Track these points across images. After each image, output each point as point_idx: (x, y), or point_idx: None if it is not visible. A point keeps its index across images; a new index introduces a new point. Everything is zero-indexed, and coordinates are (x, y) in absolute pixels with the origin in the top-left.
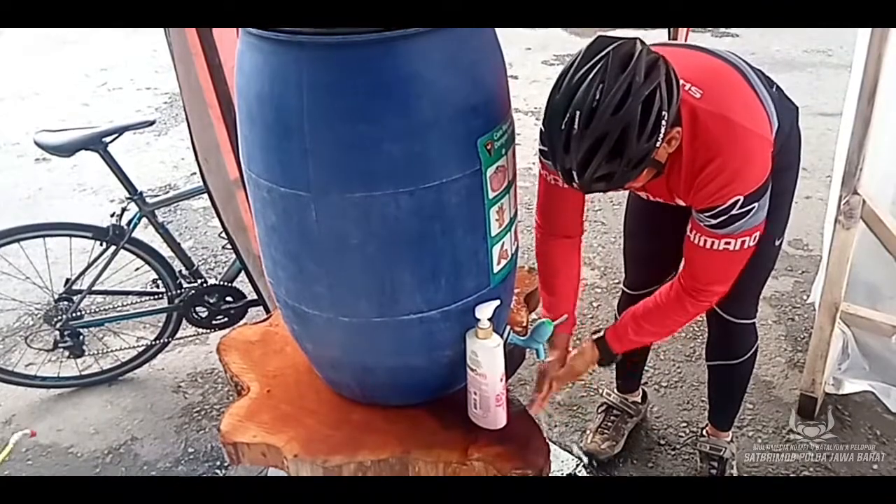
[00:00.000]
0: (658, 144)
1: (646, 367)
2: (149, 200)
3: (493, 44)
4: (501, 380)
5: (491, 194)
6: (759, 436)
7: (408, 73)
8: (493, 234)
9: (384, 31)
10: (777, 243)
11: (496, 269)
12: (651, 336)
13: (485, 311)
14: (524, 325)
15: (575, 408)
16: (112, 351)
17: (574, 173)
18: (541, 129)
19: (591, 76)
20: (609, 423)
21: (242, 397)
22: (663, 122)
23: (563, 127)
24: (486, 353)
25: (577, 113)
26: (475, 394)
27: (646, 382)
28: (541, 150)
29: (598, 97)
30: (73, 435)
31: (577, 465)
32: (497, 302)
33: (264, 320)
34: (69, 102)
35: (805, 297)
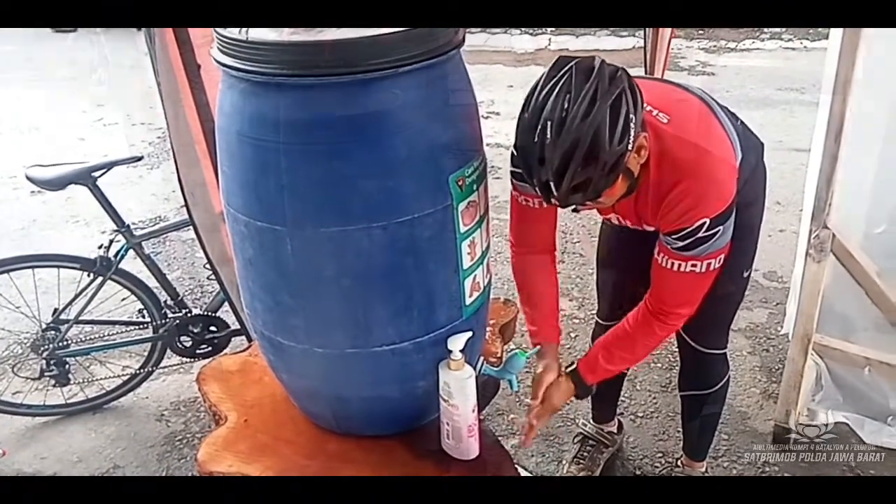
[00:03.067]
0: (630, 147)
1: (621, 398)
2: (136, 233)
3: (465, 83)
4: (474, 410)
5: (462, 228)
6: (735, 466)
7: (381, 113)
8: (465, 267)
9: (358, 73)
10: (745, 275)
11: (468, 301)
12: (622, 362)
13: (457, 343)
14: (498, 356)
15: (551, 438)
16: (97, 380)
17: (552, 184)
18: (512, 152)
19: (557, 89)
20: (585, 454)
21: (220, 426)
22: (632, 125)
23: (535, 140)
24: (458, 385)
25: (549, 124)
26: (448, 424)
27: (621, 413)
28: (512, 172)
29: (566, 106)
30: (56, 463)
31: None
32: (469, 334)
33: (244, 350)
34: (66, 137)
35: (779, 329)
